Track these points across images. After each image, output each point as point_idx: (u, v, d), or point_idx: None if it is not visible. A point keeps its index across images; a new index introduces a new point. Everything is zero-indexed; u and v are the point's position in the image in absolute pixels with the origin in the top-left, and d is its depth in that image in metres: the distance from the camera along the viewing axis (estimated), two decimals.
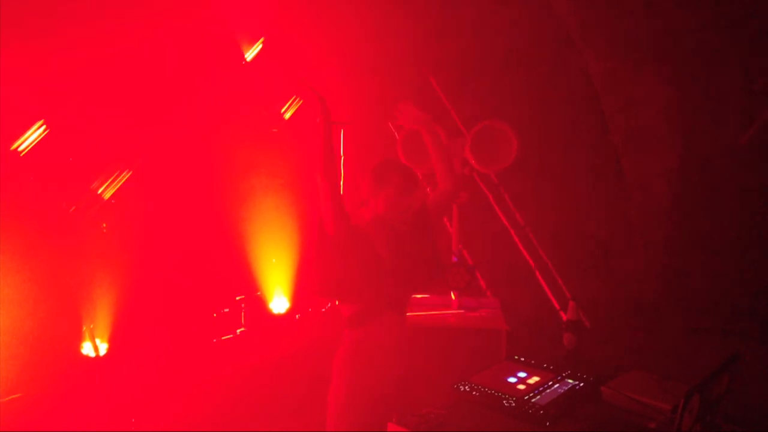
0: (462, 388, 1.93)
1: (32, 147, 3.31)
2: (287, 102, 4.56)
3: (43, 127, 3.35)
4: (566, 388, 1.96)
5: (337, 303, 2.32)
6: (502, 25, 3.90)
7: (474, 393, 1.90)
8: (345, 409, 2.18)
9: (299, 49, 4.53)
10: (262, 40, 4.43)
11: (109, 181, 3.68)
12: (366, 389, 2.17)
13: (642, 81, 3.37)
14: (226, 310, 4.40)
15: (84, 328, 3.55)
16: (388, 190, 2.24)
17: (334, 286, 2.19)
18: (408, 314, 2.34)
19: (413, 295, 2.40)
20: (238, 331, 4.37)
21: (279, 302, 4.66)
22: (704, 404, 1.42)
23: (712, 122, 3.22)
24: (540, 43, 3.82)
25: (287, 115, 4.59)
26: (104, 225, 3.68)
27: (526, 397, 1.87)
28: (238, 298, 4.45)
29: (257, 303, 4.55)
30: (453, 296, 3.67)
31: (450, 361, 3.14)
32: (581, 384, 2.00)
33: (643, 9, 3.23)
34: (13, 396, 3.19)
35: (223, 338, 4.26)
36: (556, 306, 3.89)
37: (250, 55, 4.39)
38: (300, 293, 4.61)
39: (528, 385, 1.98)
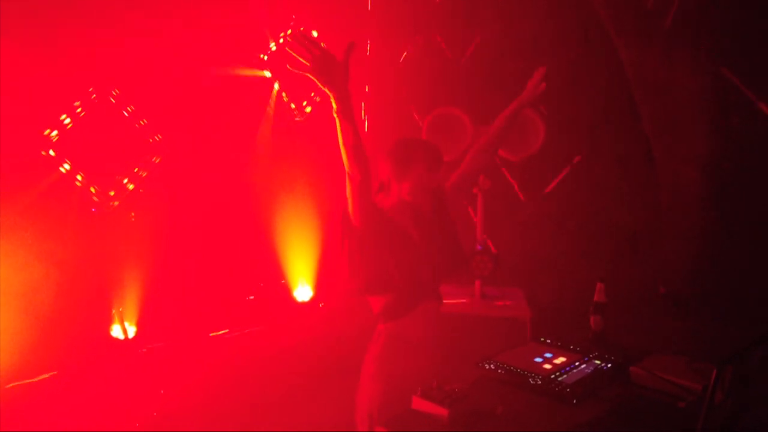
0: (487, 366, 1.93)
1: (63, 134, 3.39)
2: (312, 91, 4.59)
3: (79, 110, 3.43)
4: (593, 369, 1.94)
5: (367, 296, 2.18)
6: (530, 11, 3.86)
7: (499, 371, 1.89)
8: (382, 406, 2.03)
9: (324, 38, 4.55)
10: (283, 33, 4.47)
11: (138, 170, 3.75)
12: (405, 384, 1.95)
13: (674, 67, 3.30)
14: (251, 297, 4.45)
15: (113, 312, 3.63)
16: (416, 170, 2.11)
17: (369, 279, 2.06)
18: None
19: (442, 283, 2.31)
20: (263, 317, 4.41)
21: (303, 290, 4.69)
22: (736, 379, 1.39)
23: (745, 109, 3.14)
24: (569, 29, 3.77)
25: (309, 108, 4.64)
26: (132, 214, 3.75)
27: (552, 376, 1.85)
28: (262, 285, 4.50)
29: (282, 291, 4.59)
30: (477, 284, 3.65)
31: (474, 350, 3.11)
32: (608, 365, 1.97)
33: None
34: (47, 374, 3.28)
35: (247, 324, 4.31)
36: (582, 296, 3.83)
37: (272, 47, 4.43)
38: (332, 287, 4.60)
39: (554, 364, 1.96)
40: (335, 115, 1.82)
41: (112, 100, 3.60)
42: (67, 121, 3.40)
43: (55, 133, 3.36)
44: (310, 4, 4.51)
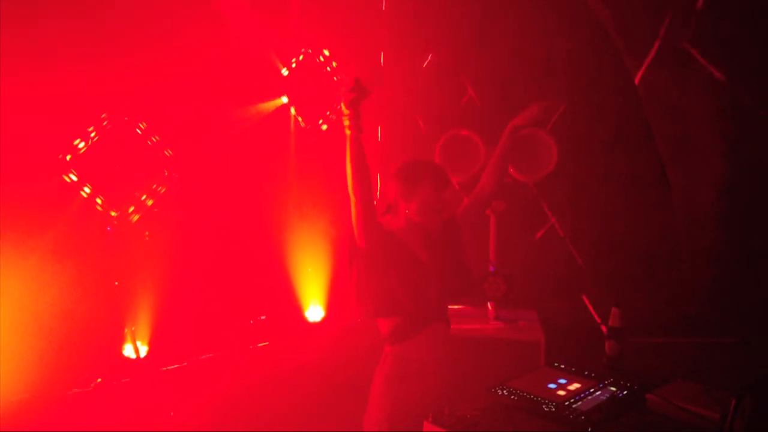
0: (499, 392, 1.89)
1: (81, 152, 3.43)
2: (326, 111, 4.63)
3: (94, 133, 3.48)
4: (608, 395, 1.90)
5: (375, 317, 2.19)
6: (541, 33, 3.86)
7: (512, 397, 1.86)
8: (390, 428, 2.05)
9: (338, 59, 4.60)
10: (302, 53, 4.52)
11: (153, 189, 3.78)
12: (412, 406, 2.03)
13: (688, 87, 3.29)
14: (263, 317, 4.43)
15: (126, 331, 3.63)
16: (423, 190, 2.12)
17: (376, 302, 2.08)
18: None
19: (449, 305, 2.30)
20: (274, 338, 4.39)
21: (315, 311, 4.67)
22: (757, 408, 1.35)
23: (762, 129, 3.11)
24: (580, 50, 3.77)
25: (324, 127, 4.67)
26: (147, 233, 3.76)
27: (567, 403, 1.82)
28: (274, 305, 4.48)
29: (293, 311, 4.58)
30: (489, 307, 3.61)
31: (487, 373, 3.07)
32: (624, 392, 1.93)
33: (687, 13, 3.16)
34: (58, 393, 3.29)
35: (259, 345, 4.29)
36: (597, 318, 3.79)
37: (291, 66, 4.47)
38: (342, 308, 4.59)
39: (568, 391, 1.93)
40: (347, 132, 1.92)
41: (138, 131, 3.65)
42: (82, 143, 3.44)
43: (69, 156, 3.40)
44: (325, 29, 4.57)
